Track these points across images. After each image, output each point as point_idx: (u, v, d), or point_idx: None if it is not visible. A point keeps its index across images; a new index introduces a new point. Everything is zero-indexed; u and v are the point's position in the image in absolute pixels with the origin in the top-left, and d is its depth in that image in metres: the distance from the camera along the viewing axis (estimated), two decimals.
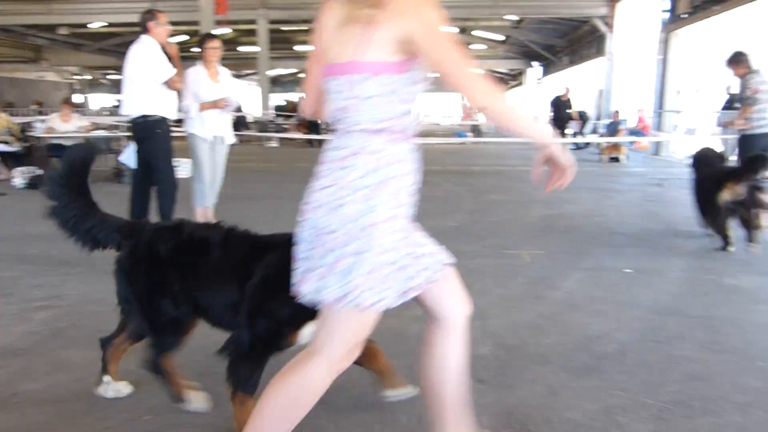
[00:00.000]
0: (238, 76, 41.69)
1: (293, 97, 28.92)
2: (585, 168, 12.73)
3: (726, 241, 5.20)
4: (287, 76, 50.45)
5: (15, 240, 5.64)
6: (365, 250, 1.72)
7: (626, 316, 3.68)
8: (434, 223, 6.48)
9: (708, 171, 5.46)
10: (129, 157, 5.87)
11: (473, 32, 31.86)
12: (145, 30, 5.12)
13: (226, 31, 23.72)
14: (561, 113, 17.07)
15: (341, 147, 1.79)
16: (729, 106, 13.40)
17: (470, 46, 36.59)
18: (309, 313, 1.91)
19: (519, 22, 27.99)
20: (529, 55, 36.02)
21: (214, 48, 5.57)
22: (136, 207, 5.27)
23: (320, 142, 18.82)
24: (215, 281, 2.28)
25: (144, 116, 5.12)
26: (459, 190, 9.24)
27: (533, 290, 4.16)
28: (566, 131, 14.49)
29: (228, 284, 2.25)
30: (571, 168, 1.80)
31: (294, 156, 16.06)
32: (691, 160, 6.14)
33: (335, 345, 1.78)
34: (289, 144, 19.67)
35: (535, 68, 37.08)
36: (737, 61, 6.20)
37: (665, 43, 16.15)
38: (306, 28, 30.63)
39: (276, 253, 2.19)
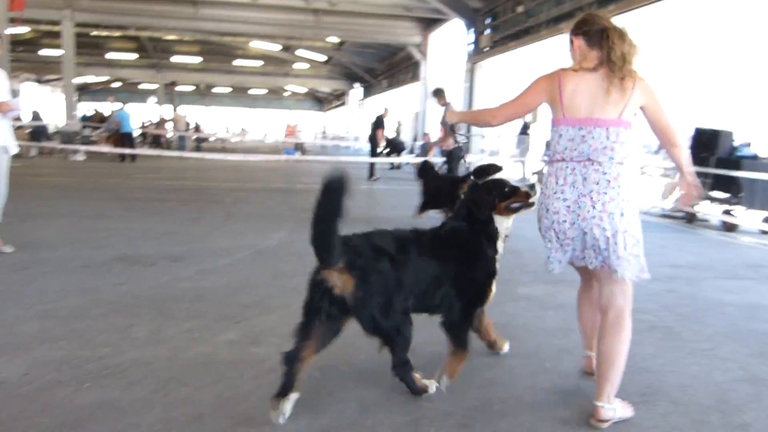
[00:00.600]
0: (39, 81, 37.82)
1: (105, 107, 26.77)
2: (403, 187, 13.32)
3: None
4: (97, 84, 46.67)
5: None
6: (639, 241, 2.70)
7: (435, 328, 3.83)
8: (253, 241, 6.35)
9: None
10: None
11: (297, 51, 32.02)
12: None
13: (23, 30, 21.44)
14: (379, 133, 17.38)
15: (594, 170, 2.66)
16: (524, 131, 14.84)
17: (294, 65, 36.82)
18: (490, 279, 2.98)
19: (341, 44, 28.70)
20: (351, 76, 37.02)
21: None
22: None
23: (133, 157, 17.66)
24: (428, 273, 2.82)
25: None
26: (281, 208, 9.15)
27: None
28: (379, 150, 14.93)
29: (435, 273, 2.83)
30: (698, 188, 2.88)
31: (103, 171, 14.88)
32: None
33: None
34: (99, 158, 18.13)
35: (357, 89, 38.14)
36: (438, 94, 8.28)
37: (471, 72, 17.53)
38: (118, 34, 28.78)
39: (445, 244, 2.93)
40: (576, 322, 3.20)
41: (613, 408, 2.64)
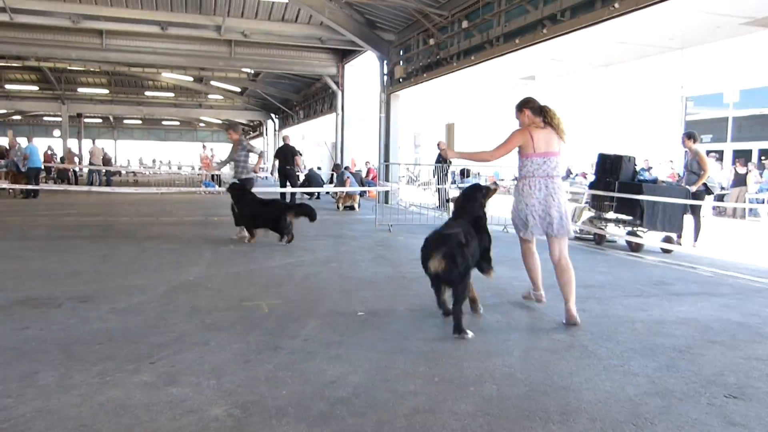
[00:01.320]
0: None
1: (3, 141, 25.29)
2: (323, 216, 13.29)
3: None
4: None
5: None
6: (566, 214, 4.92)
7: (359, 357, 3.82)
8: (168, 277, 6.13)
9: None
10: None
11: (212, 82, 31.61)
12: None
13: None
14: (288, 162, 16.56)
15: (551, 181, 4.87)
16: (441, 160, 15.23)
17: (208, 96, 36.30)
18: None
19: (256, 75, 28.57)
20: (267, 107, 36.91)
21: None
22: None
23: (36, 192, 16.70)
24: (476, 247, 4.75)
25: None
26: (197, 241, 8.89)
27: (271, 341, 4.09)
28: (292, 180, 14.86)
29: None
30: None
31: (3, 208, 13.96)
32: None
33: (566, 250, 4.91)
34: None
35: (274, 120, 38.03)
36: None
37: (386, 103, 17.85)
38: (18, 65, 27.43)
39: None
40: None
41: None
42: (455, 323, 4.31)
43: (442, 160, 15.42)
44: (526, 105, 5.01)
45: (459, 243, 4.39)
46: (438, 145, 12.65)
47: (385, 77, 18.06)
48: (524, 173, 4.95)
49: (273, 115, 37.91)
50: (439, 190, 15.13)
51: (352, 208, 14.96)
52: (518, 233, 5.08)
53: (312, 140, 41.71)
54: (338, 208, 15.04)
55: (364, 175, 20.75)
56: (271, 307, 5.02)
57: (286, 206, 9.32)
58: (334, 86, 22.90)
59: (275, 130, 38.15)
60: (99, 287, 5.62)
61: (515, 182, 5.30)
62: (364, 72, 22.47)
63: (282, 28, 18.90)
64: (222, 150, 36.91)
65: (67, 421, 2.80)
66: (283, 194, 13.94)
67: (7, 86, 32.69)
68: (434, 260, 4.37)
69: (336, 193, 16.09)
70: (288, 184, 14.47)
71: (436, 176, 15.44)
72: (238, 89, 33.85)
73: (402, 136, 18.87)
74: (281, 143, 16.08)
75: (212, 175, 21.69)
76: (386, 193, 16.57)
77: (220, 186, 20.41)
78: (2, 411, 2.90)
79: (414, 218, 12.34)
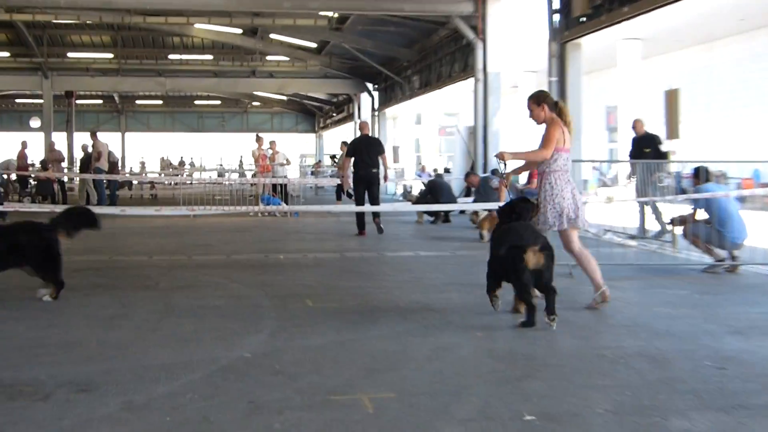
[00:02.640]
0: None
1: None
2: (457, 252, 13.27)
3: None
4: None
5: None
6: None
7: None
8: (211, 353, 6.34)
9: None
10: None
11: (272, 35, 32.58)
12: None
13: None
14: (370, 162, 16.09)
15: (571, 176, 8.49)
16: (636, 151, 14.86)
17: (266, 58, 37.39)
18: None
19: (342, 21, 29.11)
20: (359, 72, 37.41)
21: None
22: None
23: (3, 214, 17.92)
24: None
25: None
26: (253, 294, 9.17)
27: None
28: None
29: None
30: None
31: None
32: None
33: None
34: None
35: (370, 94, 38.55)
36: None
37: (560, 57, 17.67)
38: None
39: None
40: None
41: None
42: (552, 305, 7.18)
43: (646, 146, 15.06)
44: (545, 99, 8.37)
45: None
46: (636, 124, 12.44)
47: (557, 16, 17.95)
48: (555, 168, 8.19)
49: (369, 85, 38.49)
50: (647, 203, 14.69)
51: None
52: (554, 228, 8.32)
53: (432, 124, 42.08)
54: (481, 237, 14.98)
55: (522, 181, 20.60)
56: (378, 403, 5.04)
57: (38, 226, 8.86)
58: (470, 34, 22.99)
59: (373, 109, 38.68)
60: (105, 367, 5.89)
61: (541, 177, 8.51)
62: (518, 10, 22.44)
63: None
64: (289, 142, 37.93)
65: None
66: (360, 215, 14.23)
67: None
68: (534, 254, 7.06)
69: (476, 212, 16.04)
70: (368, 196, 14.74)
71: (636, 176, 15.04)
72: (314, 44, 34.70)
73: (588, 113, 18.57)
74: (359, 133, 16.43)
75: (274, 185, 22.31)
76: None
77: (286, 202, 20.93)
78: None
79: (614, 253, 12.08)
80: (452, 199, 19.12)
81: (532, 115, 8.39)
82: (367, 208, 14.60)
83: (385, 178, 16.22)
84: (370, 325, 7.49)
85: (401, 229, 17.82)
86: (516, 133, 25.81)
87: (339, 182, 21.32)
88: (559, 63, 17.73)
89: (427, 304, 8.51)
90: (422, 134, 42.20)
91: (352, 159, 15.86)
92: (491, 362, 6.16)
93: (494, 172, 18.41)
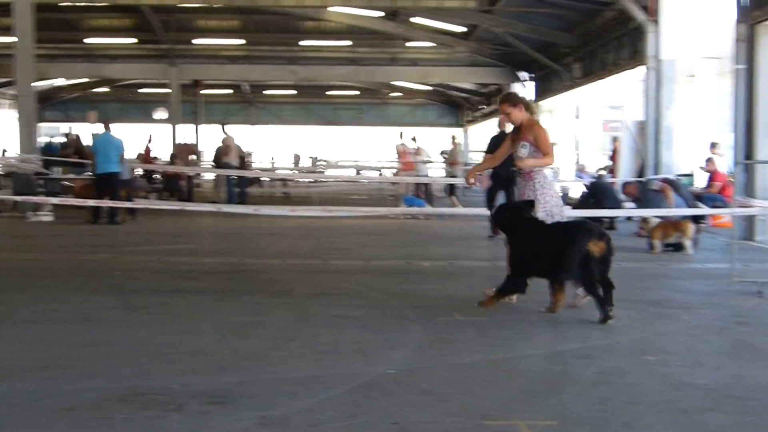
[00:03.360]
0: None
1: (84, 128, 28.64)
2: (623, 263, 13.08)
3: None
4: (71, 89, 49.96)
5: None
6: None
7: None
8: (353, 367, 6.43)
9: None
10: None
11: (413, 19, 32.63)
12: None
13: None
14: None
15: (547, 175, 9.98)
16: None
17: (407, 45, 37.45)
18: None
19: (492, 2, 28.96)
20: (511, 59, 37.12)
21: None
22: None
23: (132, 211, 18.63)
24: None
25: None
26: (396, 304, 9.25)
27: None
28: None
29: None
30: None
31: (83, 239, 15.72)
32: None
33: None
34: (75, 216, 19.32)
35: (525, 83, 38.20)
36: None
37: (748, 41, 17.13)
38: (104, 3, 30.67)
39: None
40: None
41: None
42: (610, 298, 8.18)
43: None
44: (521, 100, 9.49)
45: None
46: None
47: None
48: (539, 168, 9.24)
49: (523, 74, 38.16)
50: None
51: (678, 246, 14.55)
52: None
53: (594, 118, 41.38)
54: (652, 247, 14.71)
55: (701, 184, 20.09)
56: (536, 431, 5.03)
57: None
58: (640, 15, 22.55)
59: (531, 100, 38.30)
60: (239, 378, 6.07)
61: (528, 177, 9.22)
62: None
63: None
64: (433, 137, 37.94)
65: None
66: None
67: (88, 40, 36.72)
68: (598, 243, 8.10)
69: (645, 219, 15.78)
70: (507, 193, 15.06)
71: None
72: (462, 28, 34.62)
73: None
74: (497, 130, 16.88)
75: (417, 185, 22.41)
76: (750, 220, 15.97)
77: (430, 203, 20.97)
78: None
79: None
80: (617, 204, 18.74)
81: (509, 118, 9.36)
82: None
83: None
84: (525, 343, 7.44)
85: None
86: (692, 128, 24.99)
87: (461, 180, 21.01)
88: (748, 48, 17.13)
89: (589, 322, 8.38)
90: (582, 129, 41.57)
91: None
92: (665, 390, 6.02)
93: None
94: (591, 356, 6.95)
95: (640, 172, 22.73)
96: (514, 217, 9.02)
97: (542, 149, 8.95)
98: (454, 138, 26.38)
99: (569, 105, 37.46)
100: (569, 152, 39.24)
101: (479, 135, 50.09)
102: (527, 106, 9.28)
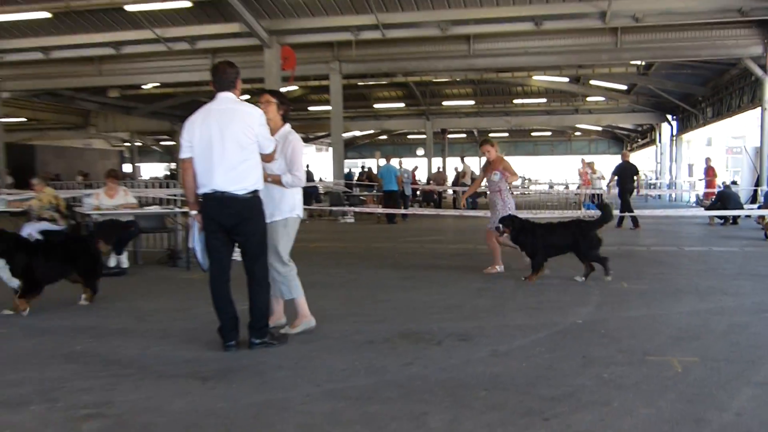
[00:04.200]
0: (306, 140, 43.47)
1: (372, 163, 29.77)
2: (745, 248, 12.18)
3: None
4: (363, 138, 51.87)
5: (62, 334, 5.93)
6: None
7: None
8: (551, 318, 6.36)
9: None
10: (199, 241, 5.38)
11: (591, 81, 31.85)
12: (231, 87, 5.23)
13: (293, 88, 24.82)
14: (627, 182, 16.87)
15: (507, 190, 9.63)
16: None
17: (586, 99, 36.62)
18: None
19: (647, 68, 27.81)
20: (660, 106, 35.59)
21: (268, 102, 5.68)
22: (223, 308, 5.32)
23: (404, 216, 19.15)
24: None
25: (254, 192, 5.21)
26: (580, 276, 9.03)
27: (691, 410, 3.90)
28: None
29: None
30: None
31: (372, 234, 16.26)
32: None
33: None
34: (365, 219, 20.11)
35: (669, 123, 36.44)
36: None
37: None
38: (386, 82, 31.83)
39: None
40: None
41: None
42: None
43: None
44: (491, 142, 9.75)
45: None
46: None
47: None
48: (503, 187, 9.42)
49: (669, 117, 36.35)
50: None
51: None
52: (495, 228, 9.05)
53: (721, 145, 38.88)
54: (767, 236, 13.63)
55: None
56: (685, 365, 4.80)
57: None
58: (758, 71, 20.88)
59: (672, 135, 36.47)
60: (477, 325, 6.14)
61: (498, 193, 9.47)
62: None
63: (686, 4, 18.12)
64: (602, 162, 37.06)
65: None
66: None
67: (376, 105, 38.14)
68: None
69: (762, 216, 14.65)
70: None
71: None
72: (624, 87, 33.41)
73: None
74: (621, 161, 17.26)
75: (592, 195, 21.83)
76: None
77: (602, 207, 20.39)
78: None
79: None
80: (739, 206, 17.56)
81: (488, 155, 9.64)
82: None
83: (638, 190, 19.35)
84: (674, 303, 7.12)
85: (695, 230, 16.62)
86: None
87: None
88: None
89: (721, 289, 7.88)
90: (712, 153, 39.37)
91: (616, 178, 16.97)
92: None
93: None
94: (723, 313, 6.56)
95: (757, 183, 21.25)
96: (522, 223, 8.95)
97: (510, 173, 9.36)
98: (592, 164, 25.82)
99: (702, 136, 35.27)
100: (702, 170, 37.01)
101: (637, 160, 48.21)
102: (492, 145, 9.65)
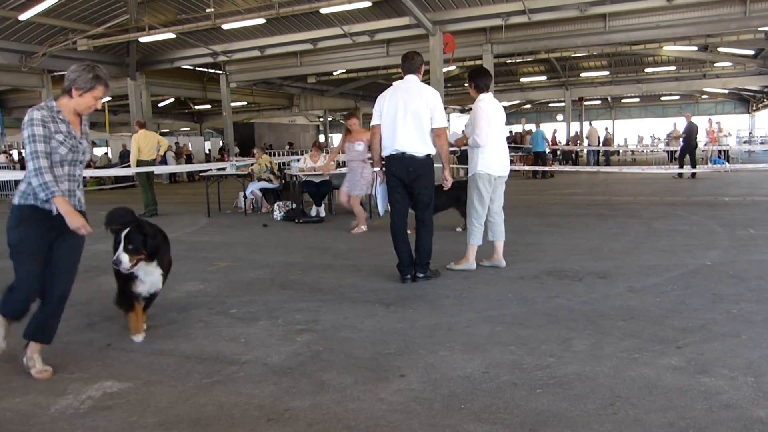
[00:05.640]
0: (463, 111, 42.94)
1: (517, 128, 28.93)
2: None
3: None
4: (511, 107, 50.33)
5: (278, 267, 6.34)
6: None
7: None
8: (682, 260, 5.93)
9: None
10: (382, 193, 5.60)
11: (719, 49, 28.78)
12: (415, 71, 5.38)
13: (452, 68, 24.50)
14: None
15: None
16: None
17: (714, 64, 33.21)
18: None
19: None
20: None
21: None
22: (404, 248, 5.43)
23: (545, 174, 18.49)
24: None
25: (429, 154, 5.33)
26: (708, 223, 8.29)
27: None
28: None
29: None
30: None
31: (520, 188, 15.86)
32: None
33: None
34: (515, 176, 19.63)
35: None
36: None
37: None
38: (531, 59, 30.56)
39: None
40: None
41: None
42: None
43: None
44: (356, 115, 8.97)
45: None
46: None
47: None
48: (366, 157, 8.42)
49: None
50: None
51: None
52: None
53: None
54: None
55: None
56: None
57: None
58: None
59: None
60: (614, 264, 5.84)
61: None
62: None
63: None
64: (730, 122, 33.53)
65: (604, 389, 3.01)
66: None
67: (522, 79, 36.84)
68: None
69: None
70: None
71: None
72: (752, 51, 29.81)
73: None
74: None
75: (720, 151, 19.92)
76: None
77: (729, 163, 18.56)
78: (548, 368, 3.31)
79: None
80: None
81: (353, 127, 8.77)
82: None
83: None
84: None
85: None
86: None
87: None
88: None
89: None
90: None
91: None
92: None
93: None
94: None
95: None
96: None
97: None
98: (719, 123, 23.38)
99: None
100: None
101: (762, 120, 43.26)
102: (358, 118, 9.22)
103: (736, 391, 2.94)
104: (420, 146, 5.25)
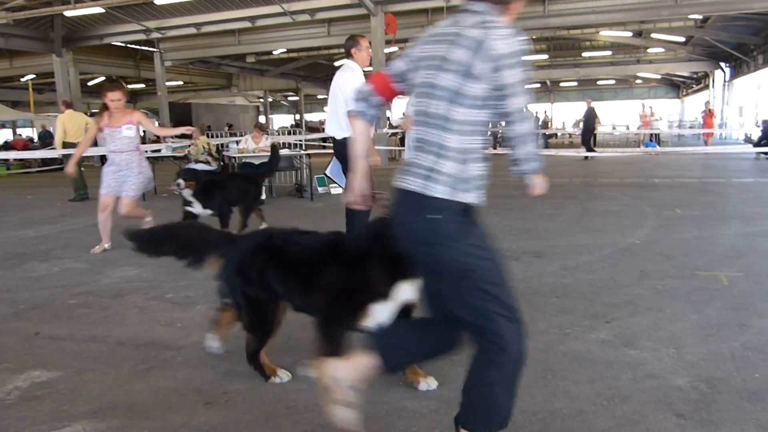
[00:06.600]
0: None
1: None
2: None
3: None
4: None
5: None
6: None
7: None
8: (613, 239, 6.18)
9: None
10: (334, 170, 5.56)
11: (652, 35, 29.83)
12: (348, 56, 5.30)
13: (393, 49, 24.47)
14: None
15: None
16: None
17: (647, 50, 34.42)
18: None
19: (704, 21, 25.72)
20: (715, 56, 32.99)
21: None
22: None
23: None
24: None
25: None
26: (638, 204, 8.65)
27: (735, 317, 3.75)
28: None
29: None
30: None
31: (559, 170, 16.09)
32: None
33: None
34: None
35: (722, 70, 33.77)
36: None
37: None
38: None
39: None
40: None
41: None
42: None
43: None
44: (122, 88, 6.23)
45: None
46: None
47: None
48: (139, 145, 6.41)
49: (722, 64, 33.66)
50: None
51: None
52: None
53: None
54: None
55: None
56: (730, 279, 4.59)
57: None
58: None
59: (725, 81, 33.85)
60: (549, 244, 6.04)
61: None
62: None
63: None
64: (662, 107, 34.87)
65: (536, 363, 3.13)
66: None
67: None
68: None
69: None
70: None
71: None
72: (683, 39, 31.05)
73: None
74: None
75: (651, 135, 20.75)
76: None
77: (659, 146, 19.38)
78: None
79: None
80: None
81: (113, 104, 6.07)
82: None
83: None
84: (722, 227, 6.73)
85: (743, 164, 15.54)
86: None
87: None
88: None
89: (766, 215, 7.41)
90: (761, 97, 36.19)
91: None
92: None
93: None
94: (767, 235, 6.18)
95: None
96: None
97: (147, 123, 6.67)
98: (651, 107, 24.57)
99: (752, 82, 32.58)
100: (752, 112, 34.39)
101: (693, 104, 45.30)
102: (124, 89, 6.43)
103: (658, 362, 3.13)
104: (337, 130, 5.24)
